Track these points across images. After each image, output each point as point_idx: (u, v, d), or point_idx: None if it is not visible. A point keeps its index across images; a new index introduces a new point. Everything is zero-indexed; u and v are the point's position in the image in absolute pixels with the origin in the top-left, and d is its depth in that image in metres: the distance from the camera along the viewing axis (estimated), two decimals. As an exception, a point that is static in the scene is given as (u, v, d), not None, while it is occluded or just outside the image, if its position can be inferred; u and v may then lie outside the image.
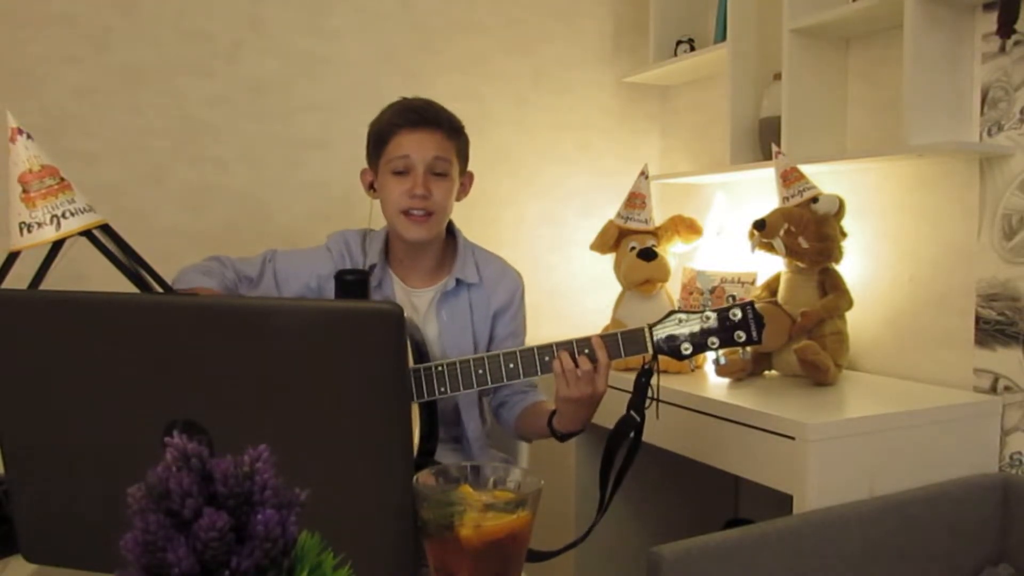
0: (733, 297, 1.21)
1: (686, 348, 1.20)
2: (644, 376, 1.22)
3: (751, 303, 1.20)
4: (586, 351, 1.20)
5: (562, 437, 1.32)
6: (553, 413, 1.31)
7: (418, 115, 1.41)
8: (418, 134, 1.40)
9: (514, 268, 1.56)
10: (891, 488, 1.54)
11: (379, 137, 1.44)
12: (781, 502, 1.54)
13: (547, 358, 1.21)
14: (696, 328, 1.19)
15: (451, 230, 1.53)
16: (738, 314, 1.19)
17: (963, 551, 1.59)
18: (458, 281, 1.48)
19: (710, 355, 1.24)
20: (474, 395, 1.49)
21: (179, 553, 0.51)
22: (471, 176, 1.53)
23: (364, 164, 1.52)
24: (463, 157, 1.49)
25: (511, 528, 0.76)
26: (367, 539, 0.79)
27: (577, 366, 1.19)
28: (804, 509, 1.47)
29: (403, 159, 1.40)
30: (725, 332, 1.19)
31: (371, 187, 1.49)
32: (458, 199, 1.49)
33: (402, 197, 1.40)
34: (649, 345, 1.20)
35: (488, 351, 1.52)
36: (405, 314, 0.81)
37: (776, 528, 1.39)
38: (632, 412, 1.23)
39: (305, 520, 0.56)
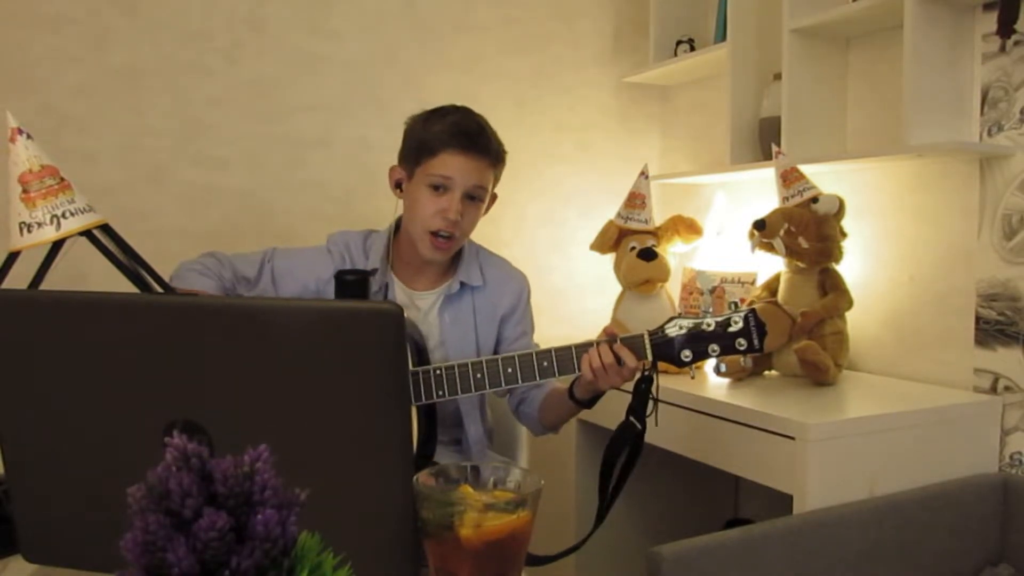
0: (735, 304, 1.20)
1: (686, 355, 1.18)
2: (644, 383, 1.21)
3: (753, 311, 1.19)
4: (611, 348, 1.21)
5: (589, 403, 1.33)
6: (572, 385, 1.32)
7: (471, 140, 1.38)
8: (466, 159, 1.38)
9: (519, 269, 1.55)
10: (891, 488, 1.54)
11: (424, 146, 1.40)
12: (781, 502, 1.54)
13: (545, 363, 1.20)
14: (697, 335, 1.18)
15: None
16: (739, 322, 1.17)
17: (963, 551, 1.59)
18: (462, 284, 1.47)
19: (711, 360, 1.22)
20: (475, 397, 1.48)
21: (179, 553, 0.51)
22: (495, 196, 1.50)
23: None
24: (497, 181, 1.48)
25: (511, 528, 0.76)
26: (367, 539, 0.78)
27: (605, 368, 1.20)
28: (804, 509, 1.47)
29: (446, 178, 1.38)
30: (726, 340, 1.18)
31: (398, 186, 1.47)
32: None
33: (435, 217, 1.38)
34: (649, 352, 1.19)
35: (495, 353, 1.51)
36: (405, 314, 0.81)
37: (776, 528, 1.39)
38: (632, 419, 1.22)
39: (305, 520, 0.56)
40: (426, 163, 1.39)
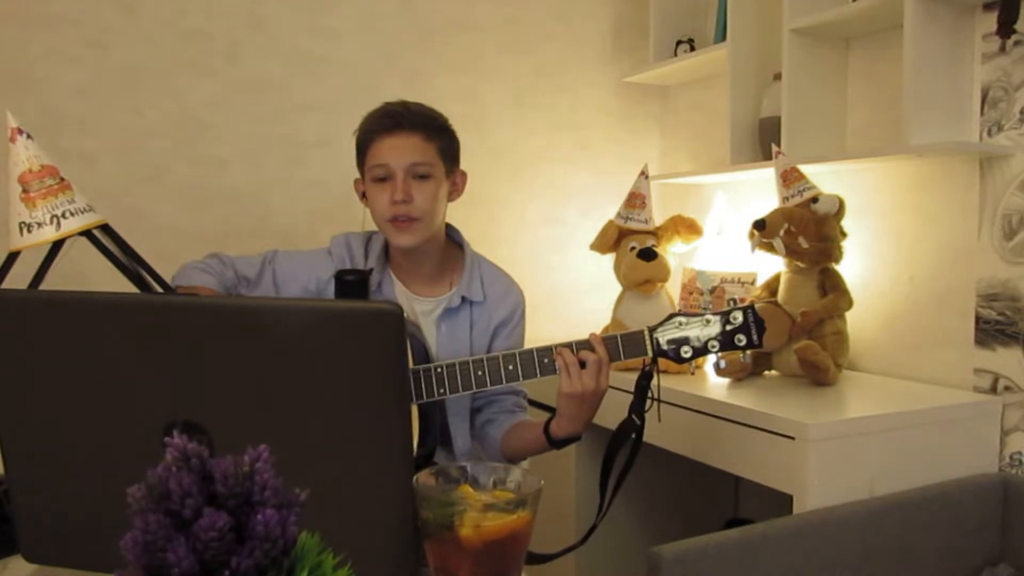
0: (734, 300, 1.21)
1: (686, 351, 1.19)
2: (644, 379, 1.22)
3: (752, 306, 1.20)
4: (586, 348, 1.20)
5: (559, 444, 1.30)
6: (549, 420, 1.29)
7: (393, 120, 1.37)
8: (394, 139, 1.36)
9: (517, 284, 1.54)
10: (891, 488, 1.54)
11: (360, 145, 1.41)
12: (781, 502, 1.54)
13: (546, 360, 1.20)
14: (696, 331, 1.19)
15: (456, 238, 1.50)
16: (739, 318, 1.18)
17: (963, 551, 1.59)
18: (462, 298, 1.46)
19: (710, 357, 1.23)
20: (465, 410, 1.47)
21: (179, 553, 0.51)
22: (464, 175, 1.48)
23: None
24: (448, 156, 1.43)
25: (511, 528, 0.76)
26: (367, 539, 0.78)
27: (568, 368, 1.18)
28: (804, 509, 1.47)
29: (382, 167, 1.37)
30: (725, 336, 1.18)
31: (363, 196, 1.46)
32: (451, 199, 1.46)
33: (386, 207, 1.37)
34: (649, 348, 1.20)
35: None
36: (406, 315, 0.81)
37: (776, 528, 1.39)
38: (632, 415, 1.22)
39: (305, 520, 0.56)
40: (366, 160, 1.40)
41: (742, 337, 1.18)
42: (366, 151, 1.39)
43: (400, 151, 1.36)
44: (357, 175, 1.49)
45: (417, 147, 1.37)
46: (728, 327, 1.18)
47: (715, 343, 1.19)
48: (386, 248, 1.48)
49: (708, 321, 1.18)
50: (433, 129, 1.40)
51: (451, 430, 1.45)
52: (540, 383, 1.26)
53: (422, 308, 1.46)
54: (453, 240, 1.50)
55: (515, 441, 1.42)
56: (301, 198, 2.23)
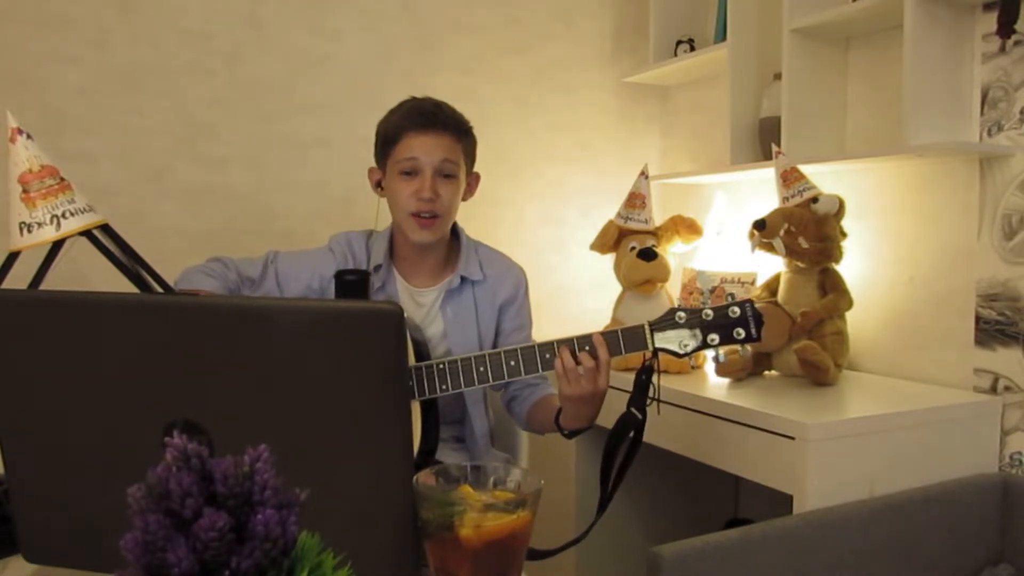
0: (732, 296, 1.21)
1: (686, 345, 1.20)
2: (644, 373, 1.22)
3: (750, 301, 1.21)
4: (587, 348, 1.20)
5: (568, 434, 1.32)
6: (559, 411, 1.31)
7: (427, 118, 1.42)
8: (426, 136, 1.41)
9: (517, 264, 1.57)
10: (891, 488, 1.54)
11: (387, 138, 1.45)
12: (781, 502, 1.54)
13: (548, 355, 1.21)
14: (696, 325, 1.20)
15: (454, 229, 1.54)
16: (737, 312, 1.19)
17: (963, 551, 1.59)
18: (462, 279, 1.49)
19: (710, 353, 1.23)
20: (480, 393, 1.51)
21: (179, 553, 0.51)
22: (477, 176, 1.54)
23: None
24: (470, 157, 1.50)
25: (511, 528, 0.76)
26: (367, 539, 0.79)
27: (578, 363, 1.19)
28: (804, 509, 1.47)
29: (411, 160, 1.41)
30: (725, 329, 1.19)
31: (378, 185, 1.51)
32: (464, 199, 1.51)
33: (410, 200, 1.41)
34: (649, 342, 1.20)
35: (495, 346, 1.53)
36: (405, 314, 0.81)
37: (776, 528, 1.39)
38: (633, 410, 1.23)
39: (305, 520, 0.56)
40: (393, 152, 1.44)
41: (741, 331, 1.19)
42: (394, 144, 1.44)
43: (432, 149, 1.42)
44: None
45: (448, 146, 1.43)
46: (727, 321, 1.19)
47: (714, 337, 1.20)
48: (390, 244, 1.50)
49: (707, 315, 1.20)
50: (462, 131, 1.47)
51: (469, 414, 1.50)
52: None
53: (426, 299, 1.48)
54: (452, 232, 1.54)
55: (537, 420, 1.48)
56: (301, 198, 2.23)
